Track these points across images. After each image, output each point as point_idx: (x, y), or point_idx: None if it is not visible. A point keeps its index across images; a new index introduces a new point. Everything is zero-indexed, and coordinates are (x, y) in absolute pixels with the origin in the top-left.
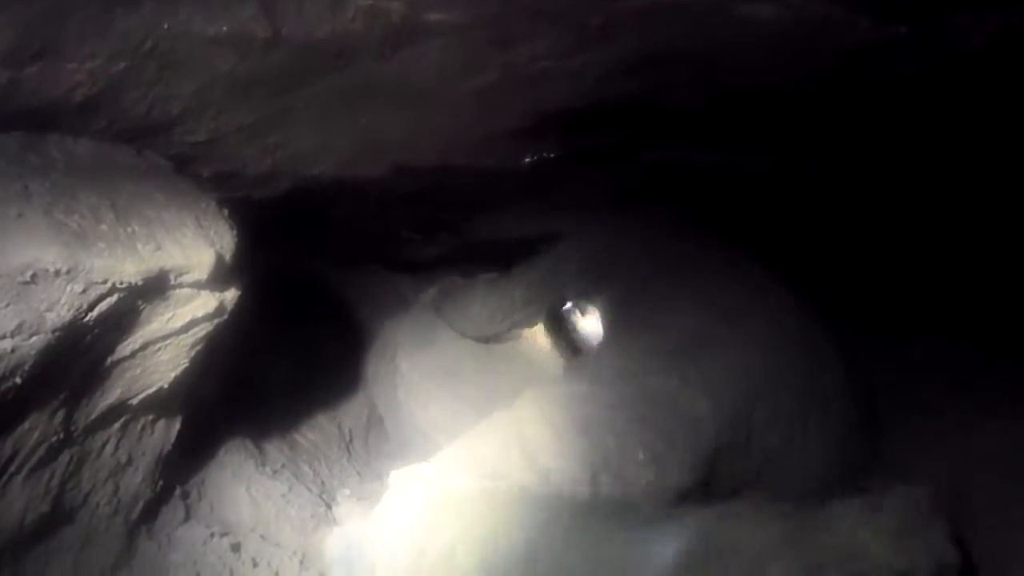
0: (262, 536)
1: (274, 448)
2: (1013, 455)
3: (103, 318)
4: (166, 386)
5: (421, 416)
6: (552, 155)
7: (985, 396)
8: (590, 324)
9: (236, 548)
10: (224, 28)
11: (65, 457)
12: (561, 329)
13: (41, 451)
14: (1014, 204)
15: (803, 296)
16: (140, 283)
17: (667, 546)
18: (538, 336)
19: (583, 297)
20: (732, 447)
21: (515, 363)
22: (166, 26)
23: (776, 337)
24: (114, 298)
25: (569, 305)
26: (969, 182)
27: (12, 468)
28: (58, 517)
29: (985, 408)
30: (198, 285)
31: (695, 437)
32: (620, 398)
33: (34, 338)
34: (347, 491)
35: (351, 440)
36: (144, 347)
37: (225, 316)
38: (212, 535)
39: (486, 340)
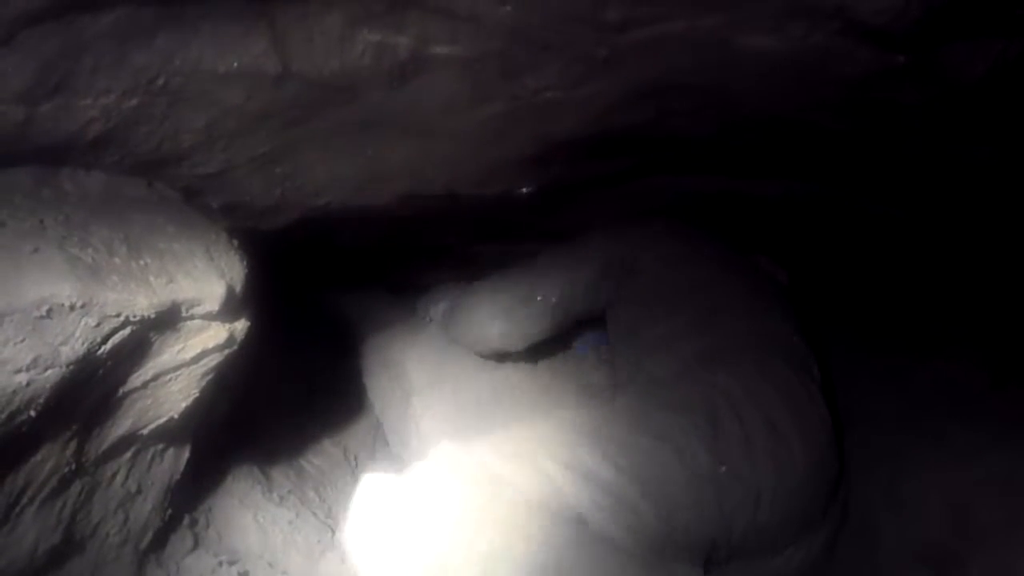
0: (270, 563)
1: (280, 474)
2: (1020, 477)
3: (116, 351)
4: (176, 416)
5: None
6: (557, 183)
7: (991, 419)
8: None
9: None
10: (235, 64)
11: (76, 488)
12: (587, 355)
13: (53, 482)
14: (1017, 225)
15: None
16: (153, 316)
17: None
18: (559, 365)
19: (602, 306)
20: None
21: (541, 398)
22: (178, 62)
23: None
24: (127, 331)
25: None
26: (973, 203)
27: (24, 500)
28: (69, 547)
29: (992, 431)
30: (209, 316)
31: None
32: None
33: (49, 372)
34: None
35: (357, 466)
36: (155, 378)
37: (235, 347)
38: (220, 563)
39: (499, 358)
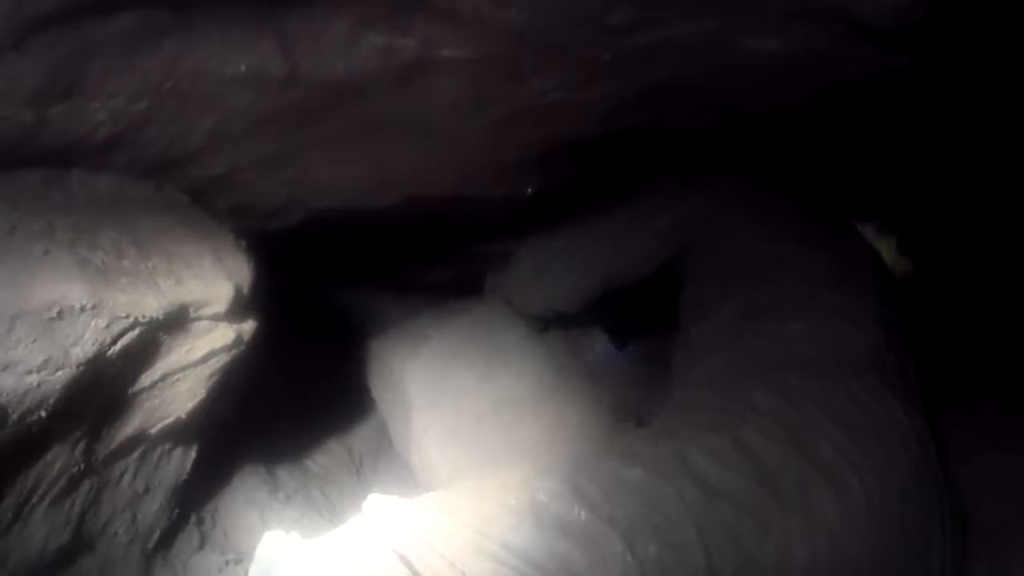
0: None
1: (286, 474)
2: (1018, 479)
3: (125, 352)
4: (184, 416)
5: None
6: (561, 183)
7: (990, 421)
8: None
9: None
10: (242, 67)
11: (85, 487)
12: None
13: (62, 482)
14: (1016, 225)
15: None
16: (161, 317)
17: None
18: (565, 378)
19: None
20: None
21: (544, 414)
22: (186, 66)
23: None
24: (136, 332)
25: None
26: (970, 204)
27: (34, 499)
28: (77, 547)
29: (989, 433)
30: (216, 317)
31: None
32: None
33: (59, 373)
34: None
35: (361, 464)
36: (163, 378)
37: (242, 347)
38: (227, 562)
39: (546, 323)
